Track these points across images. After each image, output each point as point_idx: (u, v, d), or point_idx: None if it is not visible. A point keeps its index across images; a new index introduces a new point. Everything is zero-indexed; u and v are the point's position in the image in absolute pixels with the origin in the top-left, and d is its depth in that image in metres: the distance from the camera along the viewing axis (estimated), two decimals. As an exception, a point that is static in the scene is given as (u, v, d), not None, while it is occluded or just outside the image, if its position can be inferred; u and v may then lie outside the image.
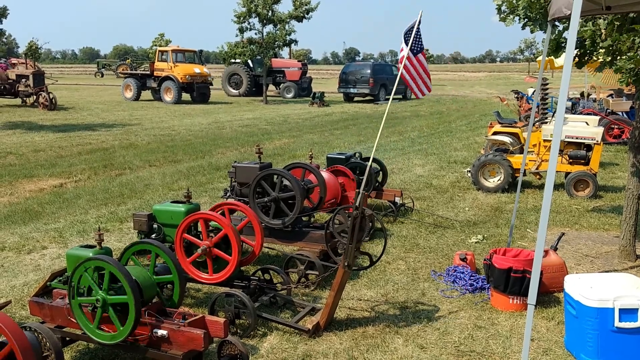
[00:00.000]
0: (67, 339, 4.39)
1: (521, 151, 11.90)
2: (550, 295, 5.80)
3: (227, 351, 4.38)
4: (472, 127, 22.37)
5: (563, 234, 6.65)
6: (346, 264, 4.87)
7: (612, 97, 18.08)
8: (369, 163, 5.75)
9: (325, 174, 7.36)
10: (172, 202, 5.50)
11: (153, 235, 5.42)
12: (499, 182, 10.88)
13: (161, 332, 3.96)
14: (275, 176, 6.35)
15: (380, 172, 9.30)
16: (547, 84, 14.76)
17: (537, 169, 11.17)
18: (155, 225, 5.42)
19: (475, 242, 7.74)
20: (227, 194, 6.82)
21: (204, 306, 5.51)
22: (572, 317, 4.52)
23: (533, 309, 3.48)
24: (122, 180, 12.97)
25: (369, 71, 35.63)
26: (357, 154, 8.98)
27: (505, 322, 5.26)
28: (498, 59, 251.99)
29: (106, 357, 4.56)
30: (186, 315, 4.10)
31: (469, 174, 11.25)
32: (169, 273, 4.39)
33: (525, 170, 11.26)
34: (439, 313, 5.48)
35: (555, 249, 6.22)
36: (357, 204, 4.74)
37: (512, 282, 5.36)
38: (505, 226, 8.53)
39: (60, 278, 4.63)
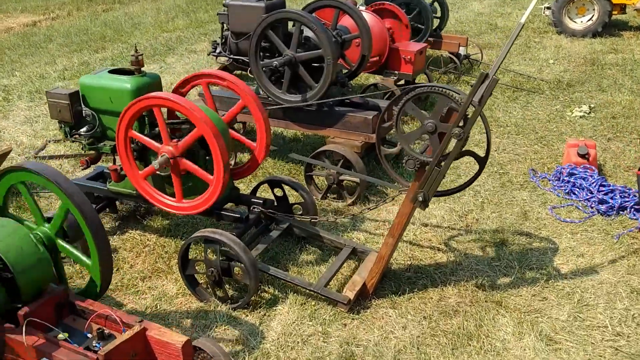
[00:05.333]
0: None
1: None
2: None
3: (199, 357, 2.37)
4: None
5: None
6: (420, 198, 2.64)
7: None
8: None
9: (367, 16, 4.85)
10: (110, 71, 3.19)
11: (83, 129, 3.19)
12: (590, 22, 8.17)
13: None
14: (291, 22, 3.92)
15: (439, 10, 6.70)
16: None
17: (644, 4, 8.30)
18: (85, 113, 3.18)
19: (580, 117, 5.38)
20: (218, 51, 4.43)
21: (173, 251, 3.46)
22: None
23: None
24: (107, 17, 10.61)
25: None
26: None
27: (681, 282, 3.12)
28: None
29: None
30: (108, 333, 2.01)
31: (548, 12, 8.47)
32: (80, 231, 2.23)
33: (626, 5, 8.45)
34: (559, 255, 3.35)
35: None
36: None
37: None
38: (613, 88, 6.09)
39: None
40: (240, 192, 3.42)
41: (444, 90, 2.57)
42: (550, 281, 3.12)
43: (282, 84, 4.01)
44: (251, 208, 3.25)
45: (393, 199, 3.02)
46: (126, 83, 3.06)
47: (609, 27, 8.18)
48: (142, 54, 3.09)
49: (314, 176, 4.04)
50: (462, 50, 6.49)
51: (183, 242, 2.96)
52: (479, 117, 2.62)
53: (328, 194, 4.01)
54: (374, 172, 4.30)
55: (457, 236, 3.56)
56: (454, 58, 6.38)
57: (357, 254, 3.25)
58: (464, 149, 2.71)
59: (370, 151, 4.22)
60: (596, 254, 3.36)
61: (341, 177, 3.89)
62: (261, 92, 4.17)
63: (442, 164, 2.62)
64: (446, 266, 3.26)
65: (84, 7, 11.90)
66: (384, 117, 2.97)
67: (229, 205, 3.41)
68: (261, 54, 4.04)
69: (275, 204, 3.47)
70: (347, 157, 3.86)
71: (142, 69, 3.13)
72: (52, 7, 11.83)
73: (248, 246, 3.10)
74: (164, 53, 8.02)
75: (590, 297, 2.99)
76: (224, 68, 4.95)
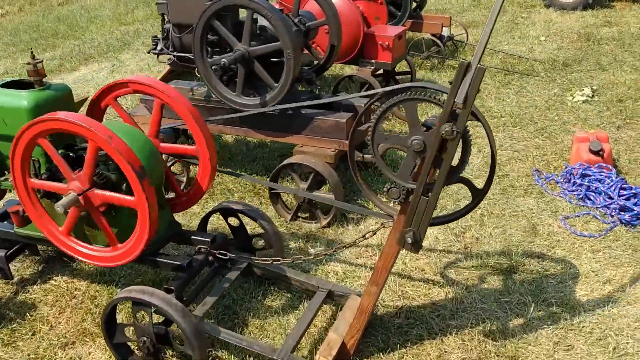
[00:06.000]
0: None
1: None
2: None
3: None
4: None
5: None
6: (410, 240, 1.99)
7: None
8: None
9: (335, -2, 4.15)
10: (4, 84, 2.49)
11: (-25, 161, 2.51)
12: (581, -6, 7.50)
13: None
14: (243, 9, 3.22)
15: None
16: None
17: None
18: (-23, 139, 2.49)
19: (583, 102, 4.76)
20: (159, 48, 3.72)
21: (106, 302, 2.79)
22: None
23: None
24: (61, 12, 9.81)
25: None
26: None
27: None
28: None
29: None
30: None
31: (534, -16, 7.83)
32: None
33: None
34: (580, 283, 2.73)
35: None
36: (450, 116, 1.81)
37: None
38: (614, 67, 5.48)
39: None
40: (195, 219, 2.75)
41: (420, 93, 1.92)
42: (574, 321, 2.50)
43: (237, 85, 3.32)
44: (198, 248, 2.58)
45: (374, 233, 2.37)
46: (22, 99, 2.36)
47: (599, -1, 7.56)
48: (41, 61, 2.40)
49: (281, 193, 3.38)
50: (445, 31, 5.83)
51: (107, 304, 2.29)
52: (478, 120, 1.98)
53: (299, 214, 3.35)
54: (351, 183, 3.64)
55: (455, 263, 2.93)
56: (437, 40, 5.71)
57: (333, 298, 2.60)
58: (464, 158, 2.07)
59: (346, 159, 3.56)
60: (625, 279, 2.75)
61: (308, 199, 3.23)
62: (213, 96, 3.49)
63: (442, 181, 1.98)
64: (445, 307, 2.62)
65: (37, 1, 11.08)
66: (361, 119, 2.31)
67: (172, 244, 2.75)
68: (209, 49, 3.35)
69: (232, 236, 2.83)
70: (318, 170, 3.20)
71: (45, 79, 2.43)
72: (2, 3, 11.02)
73: (194, 300, 2.45)
74: (118, 49, 7.26)
75: (627, 343, 2.38)
76: (170, 71, 4.25)
